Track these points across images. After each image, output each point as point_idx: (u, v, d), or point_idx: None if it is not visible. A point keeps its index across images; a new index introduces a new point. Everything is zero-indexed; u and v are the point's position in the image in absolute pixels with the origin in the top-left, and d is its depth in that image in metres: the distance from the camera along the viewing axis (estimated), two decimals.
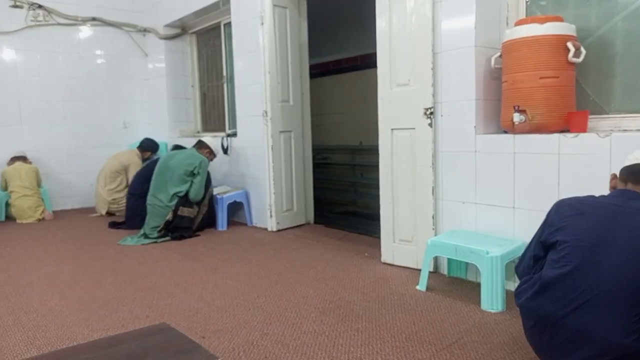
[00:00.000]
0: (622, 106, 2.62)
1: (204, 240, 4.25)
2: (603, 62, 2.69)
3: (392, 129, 3.22)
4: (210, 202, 4.58)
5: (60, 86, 6.02)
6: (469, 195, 2.89)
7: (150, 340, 1.08)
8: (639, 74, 2.57)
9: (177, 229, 4.27)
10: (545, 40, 2.56)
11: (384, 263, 3.34)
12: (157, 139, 5.97)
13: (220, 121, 5.90)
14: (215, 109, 6.06)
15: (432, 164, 3.03)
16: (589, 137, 2.38)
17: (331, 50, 6.50)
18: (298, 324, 2.37)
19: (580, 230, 1.65)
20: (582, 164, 2.39)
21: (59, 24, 5.95)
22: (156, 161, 4.67)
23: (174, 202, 4.25)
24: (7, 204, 5.45)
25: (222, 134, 5.39)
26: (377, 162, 3.36)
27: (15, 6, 5.64)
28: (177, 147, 5.25)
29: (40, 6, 5.78)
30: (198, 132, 6.27)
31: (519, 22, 2.71)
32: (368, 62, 5.90)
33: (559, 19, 2.62)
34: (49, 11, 5.86)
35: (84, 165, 6.20)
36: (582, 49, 2.58)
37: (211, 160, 4.68)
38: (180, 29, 6.17)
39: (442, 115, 2.98)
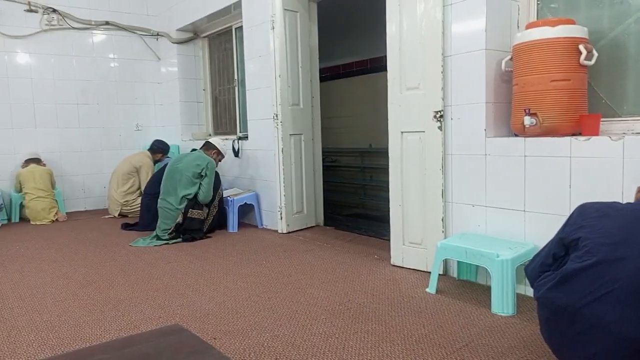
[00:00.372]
0: (635, 109, 2.61)
1: (215, 241, 4.28)
2: (615, 64, 2.68)
3: (402, 132, 3.23)
4: (220, 204, 4.61)
5: (73, 89, 6.11)
6: (479, 198, 2.88)
7: (163, 341, 1.10)
8: None
9: (187, 231, 4.31)
10: (557, 43, 2.55)
11: (394, 265, 3.35)
12: (169, 142, 6.03)
13: (232, 124, 5.94)
14: (227, 112, 6.10)
15: (442, 166, 3.03)
16: (601, 140, 2.37)
17: (341, 53, 6.52)
18: (308, 326, 2.38)
19: (605, 229, 1.67)
20: (594, 168, 2.38)
21: (73, 28, 6.04)
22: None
23: (184, 205, 4.28)
24: (22, 206, 5.54)
25: (233, 136, 5.43)
26: (387, 165, 3.37)
27: (30, 10, 5.74)
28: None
29: (54, 10, 5.88)
30: (209, 135, 6.32)
31: (530, 25, 2.70)
32: (378, 65, 5.92)
33: (570, 22, 2.61)
34: (63, 15, 5.95)
35: (97, 167, 6.28)
36: (595, 51, 2.56)
37: (219, 160, 4.71)
38: (193, 33, 6.23)
39: (452, 119, 2.98)
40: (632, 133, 2.51)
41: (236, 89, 5.73)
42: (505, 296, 2.47)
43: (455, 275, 3.07)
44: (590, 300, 1.59)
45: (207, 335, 2.31)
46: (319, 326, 2.38)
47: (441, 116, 3.00)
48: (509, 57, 2.81)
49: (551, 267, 1.82)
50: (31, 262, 3.75)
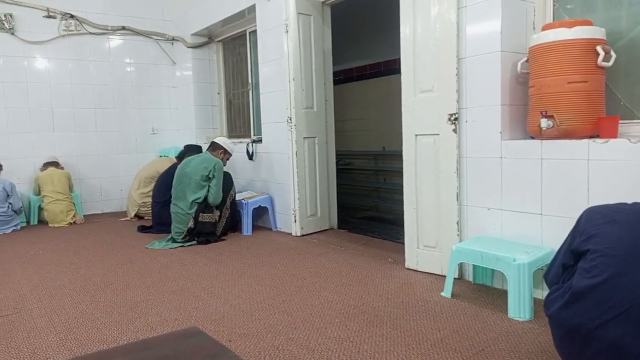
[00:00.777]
0: None
1: (229, 244, 4.31)
2: (634, 65, 2.64)
3: (416, 135, 3.22)
4: (233, 206, 4.61)
5: (91, 93, 6.20)
6: (495, 201, 2.86)
7: (181, 344, 1.11)
8: None
9: (201, 234, 4.34)
10: (574, 45, 2.53)
11: (408, 269, 3.33)
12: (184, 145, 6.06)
13: (246, 127, 5.98)
14: (241, 116, 6.14)
15: (457, 169, 3.01)
16: (619, 142, 2.33)
17: (355, 56, 6.52)
18: (323, 329, 2.38)
19: (612, 238, 1.61)
20: (612, 170, 2.35)
21: (90, 33, 6.14)
22: (174, 167, 4.72)
23: (194, 210, 4.30)
24: (40, 208, 5.64)
25: (248, 140, 5.46)
26: (400, 168, 3.36)
27: (48, 16, 5.85)
28: (189, 147, 5.31)
29: (72, 16, 5.98)
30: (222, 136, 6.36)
31: (547, 27, 2.67)
32: (392, 68, 5.91)
33: (588, 23, 2.58)
34: (81, 21, 6.05)
35: (114, 171, 6.37)
36: (613, 52, 2.53)
37: (227, 159, 4.72)
38: (207, 38, 6.29)
39: (466, 121, 2.96)
40: None
41: (250, 92, 5.77)
42: (522, 301, 2.44)
43: (470, 279, 3.04)
44: (606, 321, 1.54)
45: (222, 337, 2.32)
46: (333, 329, 2.38)
47: (456, 119, 2.98)
48: (525, 58, 2.78)
49: (561, 277, 1.79)
50: (49, 264, 3.81)
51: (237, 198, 4.74)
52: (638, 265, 1.54)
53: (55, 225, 5.47)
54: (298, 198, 4.48)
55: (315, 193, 4.64)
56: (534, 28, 2.92)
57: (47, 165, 5.69)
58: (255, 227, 4.85)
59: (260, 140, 5.11)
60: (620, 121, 2.51)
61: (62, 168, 5.80)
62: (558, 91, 2.58)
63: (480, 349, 2.13)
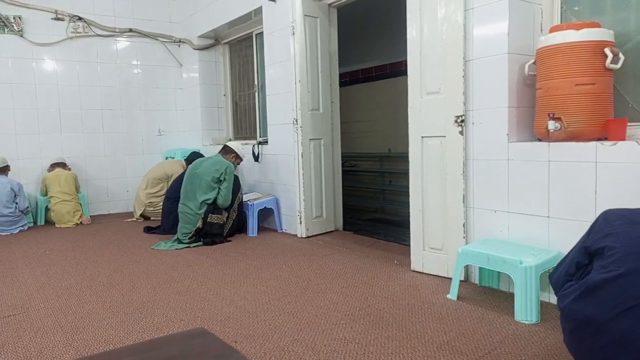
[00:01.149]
0: None
1: (235, 245, 4.32)
2: None
3: (422, 137, 3.21)
4: (240, 208, 4.64)
5: (98, 95, 6.24)
6: (502, 203, 2.85)
7: (188, 345, 1.11)
8: None
9: (207, 235, 4.35)
10: (582, 47, 2.52)
11: (414, 271, 3.32)
12: (190, 147, 6.10)
13: (252, 129, 5.99)
14: (247, 117, 6.16)
15: (463, 171, 3.00)
16: (627, 145, 2.32)
17: (361, 58, 6.52)
18: (328, 331, 2.38)
19: (631, 237, 1.62)
20: (620, 173, 2.33)
21: (97, 35, 6.18)
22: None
23: (203, 210, 4.32)
24: (47, 209, 5.68)
25: (253, 141, 5.47)
26: (406, 170, 3.35)
27: (57, 19, 5.89)
28: (195, 154, 5.36)
29: (80, 18, 6.03)
30: (230, 139, 6.38)
31: (554, 29, 2.67)
32: (397, 70, 5.91)
33: (596, 25, 2.57)
34: (89, 23, 6.10)
35: (121, 172, 6.40)
36: (621, 54, 2.52)
37: (238, 164, 4.74)
38: (214, 40, 6.32)
39: (473, 123, 2.96)
40: None
41: (256, 94, 5.78)
42: (528, 303, 2.43)
43: (476, 281, 3.03)
44: (618, 313, 1.54)
45: (228, 338, 2.33)
46: (339, 331, 2.37)
47: (462, 121, 2.97)
48: (532, 60, 2.77)
49: (574, 276, 1.78)
50: (56, 264, 3.83)
51: (243, 200, 4.75)
52: None
53: (62, 226, 5.50)
54: (303, 199, 4.48)
55: (320, 195, 4.64)
56: (542, 30, 2.91)
57: (54, 166, 5.73)
58: (260, 229, 4.85)
59: (266, 142, 5.12)
60: (629, 123, 2.50)
61: (69, 169, 5.84)
62: (566, 93, 2.57)
63: (487, 352, 2.12)
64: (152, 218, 5.59)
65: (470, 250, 2.72)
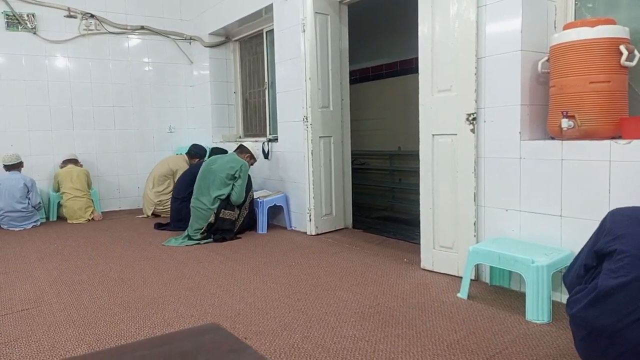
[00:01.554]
0: None
1: (244, 242, 4.33)
2: None
3: (433, 135, 3.20)
4: (250, 205, 4.67)
5: (110, 92, 6.29)
6: (513, 202, 2.83)
7: (201, 339, 1.12)
8: None
9: (219, 231, 4.38)
10: (596, 44, 2.49)
11: (424, 269, 3.31)
12: (201, 144, 6.12)
13: (262, 126, 6.00)
14: (257, 115, 6.17)
15: (474, 170, 2.98)
16: None
17: (371, 56, 6.50)
18: (338, 328, 2.38)
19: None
20: (634, 172, 2.30)
21: (109, 32, 6.22)
22: (198, 166, 4.79)
23: (216, 205, 4.36)
24: (59, 205, 5.74)
25: (263, 139, 5.48)
26: (416, 168, 3.34)
27: (69, 16, 5.94)
28: (216, 150, 5.40)
29: (92, 16, 6.07)
30: (240, 137, 6.40)
31: (568, 26, 2.64)
32: (408, 67, 5.88)
33: (611, 22, 2.53)
34: (101, 20, 6.14)
35: (132, 168, 6.45)
36: (636, 52, 2.48)
37: (251, 164, 4.77)
38: (224, 37, 6.33)
39: (485, 121, 2.93)
40: None
41: (266, 91, 5.79)
42: (540, 303, 2.41)
43: (487, 280, 3.01)
44: (631, 322, 1.51)
45: (238, 335, 2.33)
46: (348, 329, 2.37)
47: (474, 119, 2.95)
48: (546, 58, 2.75)
49: (583, 278, 1.76)
50: (68, 259, 3.87)
51: (253, 197, 4.77)
52: None
53: (74, 222, 5.56)
54: (313, 197, 4.48)
55: (330, 192, 4.64)
56: (555, 27, 2.88)
57: (66, 162, 5.78)
58: (270, 226, 4.86)
59: (276, 139, 5.12)
60: None
61: (81, 165, 5.89)
62: (580, 91, 2.54)
63: (498, 351, 2.11)
64: (162, 216, 5.62)
65: (481, 249, 2.70)
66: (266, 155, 5.20)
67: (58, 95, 5.97)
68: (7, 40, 5.65)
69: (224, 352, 1.04)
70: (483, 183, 2.98)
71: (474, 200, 3.00)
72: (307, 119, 4.44)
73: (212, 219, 4.33)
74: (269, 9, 5.06)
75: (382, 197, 6.27)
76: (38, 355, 2.19)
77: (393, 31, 6.12)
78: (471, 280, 2.81)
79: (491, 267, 2.93)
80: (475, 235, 3.01)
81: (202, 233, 4.33)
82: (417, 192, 3.36)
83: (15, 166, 5.36)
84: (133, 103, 6.44)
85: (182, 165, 5.70)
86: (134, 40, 6.42)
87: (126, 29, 6.32)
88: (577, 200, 2.53)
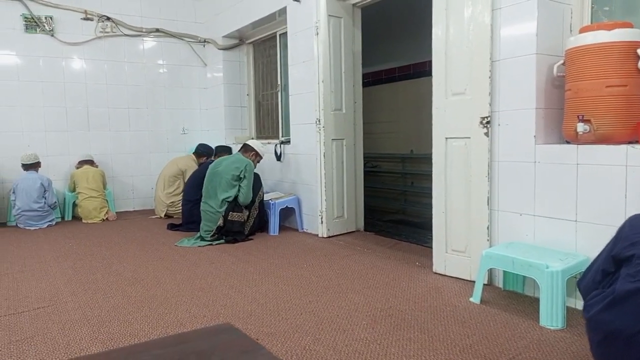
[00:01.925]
0: None
1: (256, 244, 4.35)
2: None
3: (446, 138, 3.19)
4: (260, 206, 4.67)
5: (125, 94, 6.36)
6: (527, 206, 2.80)
7: (216, 339, 1.13)
8: None
9: (229, 233, 4.39)
10: (613, 48, 2.46)
11: (436, 273, 3.30)
12: (214, 145, 6.16)
13: (274, 128, 6.02)
14: (269, 117, 6.20)
15: (488, 173, 2.96)
16: None
17: (384, 58, 6.50)
18: (350, 331, 2.38)
19: None
20: None
21: (125, 35, 6.30)
22: (206, 166, 4.82)
23: (224, 208, 4.37)
24: (74, 205, 5.81)
25: (276, 141, 5.50)
26: (428, 171, 3.33)
27: (86, 19, 6.03)
28: (221, 147, 5.46)
29: (108, 18, 6.15)
30: (252, 139, 6.41)
31: (585, 29, 2.61)
32: (421, 70, 5.86)
33: (628, 25, 2.50)
34: (116, 23, 6.22)
35: (146, 169, 6.51)
36: None
37: (258, 162, 4.77)
38: (238, 40, 6.38)
39: (499, 125, 2.92)
40: None
41: (279, 93, 5.82)
42: (554, 309, 2.39)
43: (500, 285, 2.99)
44: None
45: (250, 335, 2.34)
46: (360, 332, 2.37)
47: (488, 122, 2.94)
48: (561, 61, 2.72)
49: (600, 283, 1.74)
50: (83, 259, 3.92)
51: (264, 198, 4.79)
52: None
53: (89, 221, 5.63)
54: (325, 199, 4.48)
55: (342, 195, 4.64)
56: (571, 30, 2.85)
57: (82, 163, 5.86)
58: (281, 228, 4.88)
59: (289, 142, 5.14)
60: None
61: (97, 166, 5.96)
62: (596, 95, 2.51)
63: (511, 357, 2.09)
64: (175, 217, 5.66)
65: (494, 254, 2.68)
66: (278, 157, 5.22)
67: (74, 96, 6.06)
68: (25, 42, 5.75)
69: (238, 352, 1.05)
70: (497, 187, 2.96)
71: (488, 204, 2.98)
72: (319, 121, 4.45)
73: (220, 222, 4.35)
74: (283, 11, 5.09)
75: (394, 200, 6.25)
76: (53, 352, 2.22)
77: (406, 34, 6.11)
78: (484, 284, 2.79)
79: (504, 272, 2.91)
80: (488, 240, 2.99)
81: (212, 235, 4.36)
82: (429, 195, 3.34)
83: (32, 166, 5.45)
84: (147, 104, 6.52)
85: (191, 165, 5.75)
86: (149, 42, 6.49)
87: (141, 31, 6.39)
88: (592, 205, 2.50)
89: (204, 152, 5.84)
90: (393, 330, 2.37)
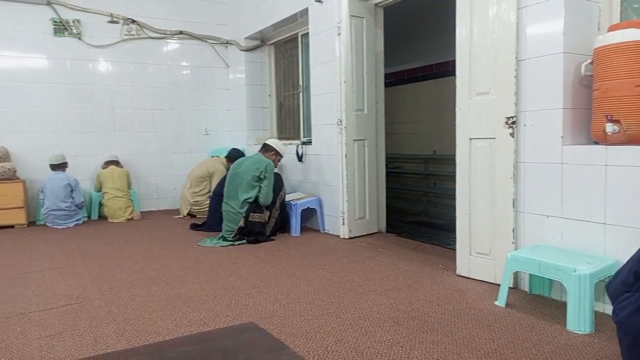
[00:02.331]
0: None
1: (278, 244, 4.37)
2: None
3: (470, 139, 3.15)
4: (282, 206, 4.69)
5: (149, 95, 6.47)
6: (554, 208, 2.75)
7: (240, 338, 1.14)
8: None
9: (250, 234, 4.42)
10: None
11: (459, 276, 3.26)
12: (235, 146, 6.23)
13: (296, 129, 6.04)
14: (291, 118, 6.22)
15: (513, 175, 2.91)
16: None
17: (406, 58, 6.45)
18: (372, 333, 2.37)
19: None
20: None
21: (149, 37, 6.41)
22: None
23: (245, 209, 4.39)
24: (100, 204, 5.94)
25: (297, 141, 5.51)
26: (451, 172, 3.29)
27: (112, 22, 6.16)
28: (235, 151, 5.51)
29: (133, 21, 6.27)
30: (271, 138, 6.46)
31: (614, 27, 2.55)
32: (444, 70, 5.81)
33: None
34: (141, 26, 6.33)
35: (169, 170, 6.61)
36: None
37: (278, 161, 4.79)
38: (260, 41, 6.42)
39: (525, 125, 2.87)
40: None
41: (301, 94, 5.83)
42: (582, 313, 2.33)
43: (526, 289, 2.93)
44: None
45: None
46: (382, 334, 2.36)
47: (513, 122, 2.89)
48: (589, 60, 2.66)
49: (632, 286, 1.69)
50: (109, 257, 4.00)
51: (286, 199, 4.80)
52: None
53: (114, 221, 5.74)
54: (347, 200, 4.48)
55: (364, 196, 4.63)
56: (599, 29, 2.79)
57: (108, 163, 5.98)
58: (303, 229, 4.89)
59: (310, 142, 5.15)
60: None
61: (122, 166, 6.08)
62: (625, 95, 2.45)
63: None
64: (198, 216, 5.73)
65: (520, 256, 2.63)
66: (300, 158, 5.24)
67: (100, 98, 6.19)
68: (54, 45, 5.90)
69: (262, 351, 1.06)
70: (522, 188, 2.91)
71: (513, 206, 2.93)
72: (341, 122, 4.44)
73: (241, 222, 4.38)
74: (304, 12, 5.10)
75: (417, 201, 6.20)
76: (81, 348, 2.27)
77: (429, 34, 6.05)
78: (509, 288, 2.74)
79: (530, 275, 2.86)
80: (514, 242, 2.94)
81: (234, 236, 4.39)
82: (452, 196, 3.31)
83: (60, 166, 5.58)
84: (171, 106, 6.61)
85: (219, 168, 5.81)
86: (172, 44, 6.59)
87: (165, 33, 6.49)
88: (622, 207, 2.44)
89: (235, 157, 5.83)
90: (416, 333, 2.36)
